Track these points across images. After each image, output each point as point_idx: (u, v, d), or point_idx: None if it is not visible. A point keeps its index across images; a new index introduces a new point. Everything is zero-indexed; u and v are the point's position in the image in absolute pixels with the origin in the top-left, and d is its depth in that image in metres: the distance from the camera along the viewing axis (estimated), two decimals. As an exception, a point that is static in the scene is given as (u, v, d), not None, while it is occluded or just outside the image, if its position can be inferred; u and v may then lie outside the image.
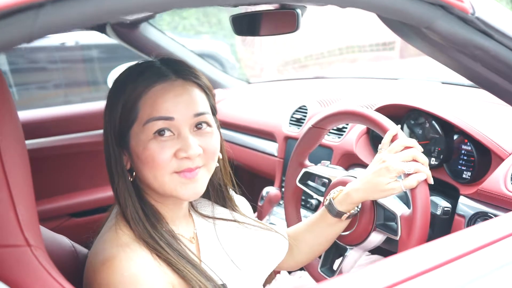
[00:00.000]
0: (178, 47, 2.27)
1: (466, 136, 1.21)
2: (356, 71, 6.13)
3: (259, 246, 1.01)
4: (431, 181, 0.99)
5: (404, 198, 1.08)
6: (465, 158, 1.21)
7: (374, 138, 1.52)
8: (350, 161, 1.56)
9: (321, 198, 1.27)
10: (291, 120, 1.90)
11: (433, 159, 1.27)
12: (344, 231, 1.13)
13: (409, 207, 1.01)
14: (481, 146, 1.16)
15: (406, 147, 1.00)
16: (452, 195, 1.21)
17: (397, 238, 1.02)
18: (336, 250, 1.22)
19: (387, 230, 1.07)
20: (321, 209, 1.11)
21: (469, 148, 1.20)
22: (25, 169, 0.67)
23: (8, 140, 0.64)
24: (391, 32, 0.92)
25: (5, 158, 0.62)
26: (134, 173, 0.86)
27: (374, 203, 1.09)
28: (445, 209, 1.16)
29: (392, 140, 1.03)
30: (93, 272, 0.77)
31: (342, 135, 1.62)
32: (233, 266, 0.93)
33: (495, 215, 1.06)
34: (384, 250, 1.23)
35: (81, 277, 0.83)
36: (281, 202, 1.78)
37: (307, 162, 1.32)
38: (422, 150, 1.01)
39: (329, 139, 1.65)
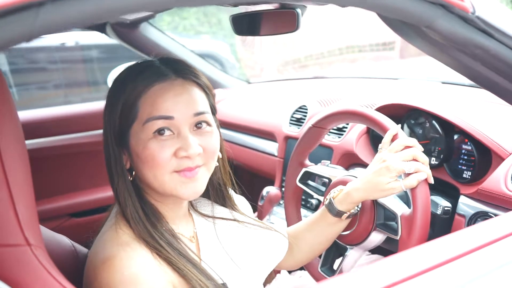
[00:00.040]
0: (178, 47, 2.27)
1: (466, 135, 1.20)
2: (356, 71, 6.12)
3: (259, 245, 1.01)
4: (432, 181, 0.99)
5: (405, 198, 1.08)
6: (465, 157, 1.21)
7: (374, 138, 1.52)
8: (350, 160, 1.56)
9: (321, 198, 1.27)
10: (291, 120, 1.90)
11: (433, 158, 1.27)
12: (344, 231, 1.13)
13: (409, 207, 1.01)
14: (482, 146, 1.16)
15: (407, 147, 1.00)
16: (452, 195, 1.21)
17: (398, 237, 1.02)
18: (336, 250, 1.22)
19: (388, 230, 1.07)
20: (321, 208, 1.11)
21: (470, 147, 1.20)
22: (25, 169, 0.67)
23: (8, 140, 0.64)
24: (391, 32, 0.92)
25: (5, 158, 0.62)
26: (133, 173, 0.86)
27: (375, 202, 1.09)
28: (446, 208, 1.16)
29: (393, 140, 1.03)
30: (94, 271, 0.77)
31: (342, 134, 1.62)
32: (233, 265, 0.93)
33: (495, 215, 1.06)
34: (385, 250, 1.23)
35: (81, 277, 0.83)
36: (281, 202, 1.78)
37: (307, 161, 1.32)
38: (423, 149, 1.01)
39: (329, 139, 1.65)
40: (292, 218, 1.34)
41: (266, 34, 1.21)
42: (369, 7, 0.77)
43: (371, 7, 0.77)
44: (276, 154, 1.92)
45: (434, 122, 1.27)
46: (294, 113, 1.89)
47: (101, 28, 2.01)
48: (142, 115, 0.82)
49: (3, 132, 0.63)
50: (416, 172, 0.97)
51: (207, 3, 0.69)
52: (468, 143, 1.20)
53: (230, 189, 1.04)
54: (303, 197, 1.66)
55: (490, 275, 0.73)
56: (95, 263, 0.78)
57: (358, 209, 1.10)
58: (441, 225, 1.18)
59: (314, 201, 1.67)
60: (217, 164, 0.92)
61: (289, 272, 1.53)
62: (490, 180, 1.10)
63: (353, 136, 1.56)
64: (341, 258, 1.19)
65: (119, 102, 0.83)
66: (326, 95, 1.90)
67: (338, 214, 1.07)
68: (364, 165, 1.47)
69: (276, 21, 1.15)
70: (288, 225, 1.32)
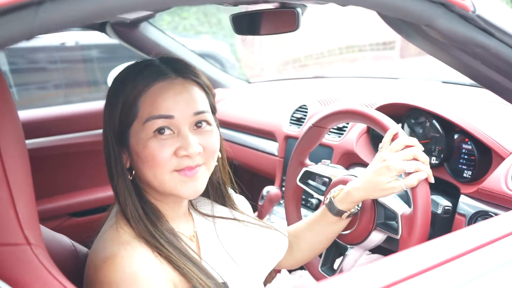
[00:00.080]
0: (178, 46, 2.27)
1: (466, 135, 1.20)
2: (356, 71, 6.13)
3: (259, 244, 1.01)
4: (432, 180, 0.99)
5: (405, 197, 1.08)
6: (465, 157, 1.21)
7: (374, 137, 1.52)
8: (351, 160, 1.55)
9: (321, 197, 1.26)
10: (291, 119, 1.90)
11: (433, 158, 1.27)
12: (344, 230, 1.13)
13: (409, 206, 1.01)
14: (482, 145, 1.16)
15: (407, 146, 0.99)
16: (452, 194, 1.21)
17: (398, 237, 1.02)
18: (336, 249, 1.22)
19: (388, 229, 1.07)
20: (322, 207, 1.11)
21: (470, 147, 1.20)
22: (25, 168, 0.67)
23: (8, 140, 0.64)
24: (392, 31, 0.92)
25: (5, 157, 0.62)
26: (133, 172, 0.86)
27: (375, 202, 1.09)
28: (446, 208, 1.16)
29: (393, 139, 1.03)
30: (95, 270, 0.77)
31: (342, 134, 1.62)
32: (233, 264, 0.93)
33: (496, 214, 1.06)
34: (385, 249, 1.23)
35: (82, 276, 0.83)
36: (281, 202, 1.78)
37: (307, 161, 1.32)
38: (423, 149, 1.01)
39: (329, 138, 1.65)
40: (292, 218, 1.34)
41: (266, 33, 1.21)
42: (369, 6, 0.77)
43: (372, 6, 0.77)
44: (276, 153, 1.92)
45: (434, 121, 1.27)
46: (294, 113, 1.89)
47: (101, 27, 2.01)
48: (142, 114, 0.82)
49: (3, 131, 0.63)
50: (416, 172, 0.97)
51: (207, 2, 0.69)
52: (469, 143, 1.20)
53: (229, 188, 1.04)
54: (303, 196, 1.66)
55: (490, 274, 0.73)
56: (96, 262, 0.78)
57: (359, 208, 1.10)
58: (442, 225, 1.18)
59: (314, 201, 1.67)
60: (217, 163, 0.92)
61: (290, 271, 1.53)
62: (490, 180, 1.10)
63: (353, 136, 1.56)
64: (341, 257, 1.19)
65: (119, 102, 0.83)
66: (326, 95, 1.90)
67: (339, 213, 1.07)
68: (364, 164, 1.46)
69: (276, 21, 1.15)
70: (288, 225, 1.32)
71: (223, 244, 0.95)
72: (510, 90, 0.96)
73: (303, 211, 1.62)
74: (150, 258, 0.79)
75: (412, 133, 1.34)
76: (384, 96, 1.61)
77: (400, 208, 1.04)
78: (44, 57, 4.88)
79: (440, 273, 0.68)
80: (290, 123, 1.89)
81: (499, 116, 1.28)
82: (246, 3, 1.11)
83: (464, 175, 1.20)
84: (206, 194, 1.00)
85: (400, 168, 0.97)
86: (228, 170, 1.00)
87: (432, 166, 1.06)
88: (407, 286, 0.65)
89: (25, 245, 0.63)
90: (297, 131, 1.82)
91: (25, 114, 2.09)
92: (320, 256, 1.23)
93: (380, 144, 1.06)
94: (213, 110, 0.91)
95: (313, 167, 1.29)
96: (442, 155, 1.25)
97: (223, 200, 1.03)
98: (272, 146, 1.95)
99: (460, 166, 1.22)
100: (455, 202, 1.18)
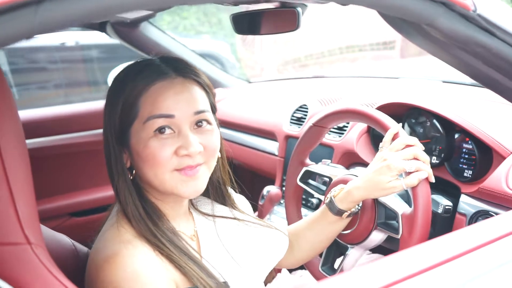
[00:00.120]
0: (178, 46, 2.27)
1: (467, 134, 1.20)
2: (357, 71, 6.13)
3: (259, 243, 1.01)
4: (432, 180, 0.98)
5: (405, 197, 1.08)
6: (466, 156, 1.21)
7: (374, 137, 1.52)
8: (351, 159, 1.55)
9: (322, 197, 1.26)
10: (291, 119, 1.90)
11: (434, 157, 1.27)
12: (345, 230, 1.13)
13: (410, 206, 1.01)
14: (482, 145, 1.16)
15: (407, 146, 0.99)
16: (453, 194, 1.21)
17: (398, 236, 1.02)
18: (337, 249, 1.22)
19: (388, 229, 1.07)
20: (322, 207, 1.11)
21: (470, 146, 1.19)
22: (25, 168, 0.67)
23: (9, 139, 0.64)
24: (392, 31, 0.92)
25: (6, 157, 0.62)
26: (134, 171, 0.86)
27: (375, 201, 1.09)
28: (446, 207, 1.16)
29: (393, 139, 1.03)
30: (96, 269, 0.77)
31: (342, 134, 1.62)
32: (234, 263, 0.93)
33: (496, 214, 1.06)
34: (385, 249, 1.22)
35: (82, 276, 0.83)
36: (282, 201, 1.78)
37: (307, 161, 1.32)
38: (423, 148, 1.00)
39: (329, 138, 1.65)
40: (292, 218, 1.34)
41: (267, 33, 1.20)
42: (369, 5, 0.77)
43: (372, 5, 0.77)
44: (276, 153, 1.92)
45: (434, 121, 1.27)
46: (294, 112, 1.89)
47: (101, 27, 2.01)
48: (142, 113, 0.82)
49: (3, 131, 0.63)
50: (417, 171, 0.97)
51: (207, 2, 0.69)
52: (469, 142, 1.20)
53: (229, 187, 1.04)
54: (304, 196, 1.66)
55: (491, 273, 0.73)
56: (97, 261, 0.78)
57: (359, 208, 1.10)
58: (442, 224, 1.17)
59: (314, 200, 1.67)
60: (216, 163, 0.92)
61: (290, 271, 1.53)
62: (491, 179, 1.09)
63: (353, 135, 1.56)
64: (341, 257, 1.19)
65: (119, 101, 0.83)
66: (326, 94, 1.90)
67: (339, 212, 1.07)
68: (364, 164, 1.46)
69: (277, 20, 1.15)
70: (288, 225, 1.32)
71: (223, 243, 0.95)
72: (511, 89, 0.96)
73: (304, 210, 1.62)
74: (151, 257, 0.79)
75: (413, 133, 1.34)
76: (384, 96, 1.61)
77: (401, 207, 1.04)
78: (44, 57, 4.89)
79: (440, 273, 0.68)
80: (291, 122, 1.89)
81: (499, 115, 1.28)
82: (246, 3, 1.10)
83: (465, 174, 1.20)
84: (206, 193, 1.01)
85: (400, 167, 0.97)
86: (228, 170, 1.00)
87: (433, 166, 1.06)
88: (407, 286, 0.65)
89: (26, 244, 0.63)
90: (298, 131, 1.82)
91: (25, 114, 2.10)
92: (320, 255, 1.23)
93: (381, 144, 1.06)
94: (214, 110, 0.91)
95: (313, 167, 1.29)
96: (442, 155, 1.25)
97: (223, 199, 1.03)
98: (272, 146, 1.95)
99: (460, 165, 1.22)
100: (455, 201, 1.18)
